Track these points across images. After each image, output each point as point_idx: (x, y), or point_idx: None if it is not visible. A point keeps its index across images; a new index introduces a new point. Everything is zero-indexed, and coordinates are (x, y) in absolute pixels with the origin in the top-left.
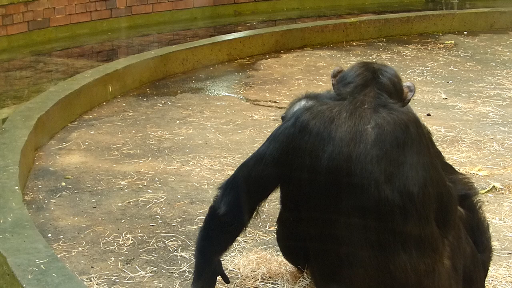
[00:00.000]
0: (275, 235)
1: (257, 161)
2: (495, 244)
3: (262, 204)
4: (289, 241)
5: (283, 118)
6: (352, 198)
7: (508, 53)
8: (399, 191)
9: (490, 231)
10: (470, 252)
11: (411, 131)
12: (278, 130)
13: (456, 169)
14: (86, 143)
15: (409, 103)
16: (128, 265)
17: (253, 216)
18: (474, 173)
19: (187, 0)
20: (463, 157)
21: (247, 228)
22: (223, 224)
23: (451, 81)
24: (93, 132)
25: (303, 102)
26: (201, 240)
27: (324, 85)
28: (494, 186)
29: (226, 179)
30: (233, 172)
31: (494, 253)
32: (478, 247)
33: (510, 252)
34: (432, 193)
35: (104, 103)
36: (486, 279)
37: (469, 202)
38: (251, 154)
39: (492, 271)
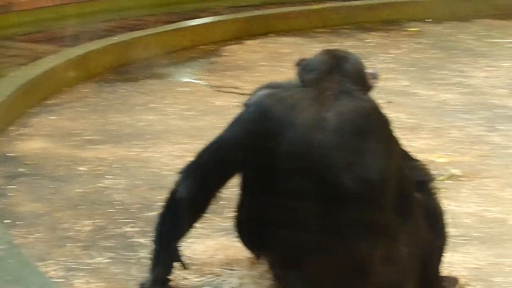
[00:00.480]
0: (233, 221)
1: (217, 146)
2: (451, 230)
3: (222, 189)
4: (248, 227)
5: (245, 105)
6: (311, 185)
7: (471, 41)
8: (358, 179)
9: (447, 217)
10: (426, 239)
11: (372, 119)
12: (239, 116)
13: (415, 156)
14: (47, 129)
15: (371, 90)
16: (86, 251)
17: (212, 201)
18: (433, 160)
19: None
20: (423, 144)
21: (206, 214)
22: (181, 209)
23: (413, 68)
24: (54, 117)
25: (266, 89)
26: (160, 225)
27: (287, 71)
28: (452, 173)
29: (186, 163)
30: (193, 158)
31: (450, 239)
32: (434, 233)
33: (467, 238)
34: (391, 180)
35: (66, 88)
36: (442, 265)
37: (426, 189)
38: (212, 139)
39: (448, 257)
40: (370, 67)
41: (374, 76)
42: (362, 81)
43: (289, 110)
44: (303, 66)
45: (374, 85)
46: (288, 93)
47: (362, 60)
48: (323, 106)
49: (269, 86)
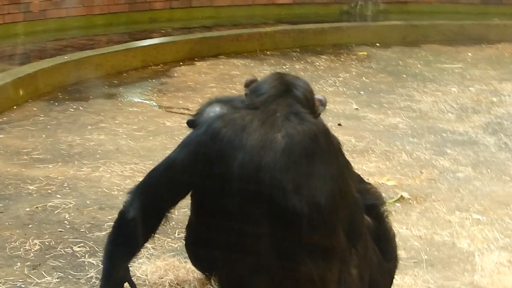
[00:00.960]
0: (184, 242)
1: (167, 167)
2: (401, 253)
3: (172, 210)
4: (198, 248)
5: (189, 122)
6: (260, 207)
7: (419, 65)
8: (306, 201)
9: (397, 240)
10: (376, 261)
11: (320, 141)
12: (189, 137)
13: (365, 179)
14: None
15: (319, 115)
16: (35, 270)
17: (162, 222)
18: (382, 183)
19: (102, 5)
20: (372, 167)
21: (155, 235)
22: (131, 229)
23: (362, 92)
24: (2, 136)
25: (215, 108)
26: (109, 245)
27: (237, 93)
28: (402, 196)
29: (137, 184)
30: (143, 178)
31: (400, 261)
32: (384, 256)
33: (416, 261)
34: (339, 203)
35: (15, 107)
36: (392, 287)
37: (376, 212)
38: (162, 160)
39: (398, 279)
40: (319, 90)
41: (322, 103)
42: (310, 107)
43: (239, 132)
44: (252, 88)
45: (322, 111)
46: (238, 114)
47: (312, 83)
48: (272, 129)
49: (217, 101)
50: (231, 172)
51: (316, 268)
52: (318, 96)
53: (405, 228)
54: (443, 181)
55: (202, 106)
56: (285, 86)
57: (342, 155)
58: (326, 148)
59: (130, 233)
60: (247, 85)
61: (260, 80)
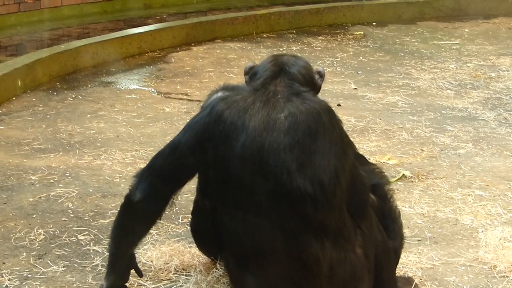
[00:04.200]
0: (188, 227)
1: (172, 150)
2: (405, 231)
3: (178, 193)
4: (203, 231)
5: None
6: (265, 187)
7: (416, 43)
8: (310, 180)
9: (401, 218)
10: (381, 240)
11: (324, 120)
12: (193, 120)
13: (367, 159)
14: None
15: (320, 94)
16: (40, 260)
17: (168, 205)
18: (384, 162)
19: None
20: (373, 146)
21: (160, 220)
22: (137, 212)
23: (360, 72)
24: (2, 127)
25: (220, 93)
26: (115, 230)
27: (235, 77)
28: (403, 174)
29: (142, 167)
30: (145, 164)
31: (405, 240)
32: (390, 235)
33: (420, 239)
34: (344, 182)
35: (14, 98)
36: (397, 265)
37: (380, 191)
38: (167, 143)
39: (403, 258)
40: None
41: (321, 75)
42: (309, 82)
43: (242, 113)
44: (251, 74)
45: (321, 83)
46: (239, 96)
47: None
48: (275, 109)
49: (223, 88)
50: (235, 153)
51: (322, 247)
52: (317, 68)
53: (408, 206)
54: (444, 158)
55: (211, 92)
56: (280, 68)
57: (344, 133)
58: (329, 127)
59: (136, 217)
60: (246, 72)
61: (259, 64)
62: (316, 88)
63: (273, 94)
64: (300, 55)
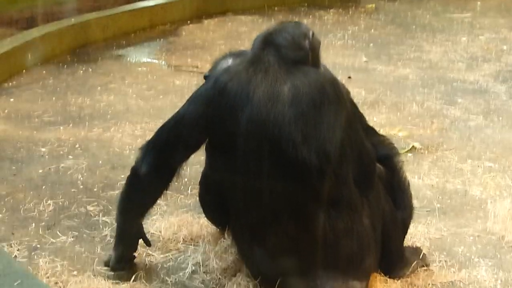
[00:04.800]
0: (197, 198)
1: (176, 122)
2: (414, 202)
3: (184, 165)
4: (211, 202)
5: (205, 78)
6: (270, 159)
7: (427, 16)
8: (316, 151)
9: (410, 190)
10: (388, 211)
11: (328, 92)
12: (197, 92)
13: (377, 131)
14: (6, 111)
15: (331, 66)
16: (49, 230)
17: (174, 177)
18: (394, 134)
19: None
20: (383, 118)
21: (168, 191)
22: (144, 185)
23: (371, 45)
24: (12, 100)
25: (229, 60)
26: (123, 201)
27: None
28: (413, 146)
29: (147, 140)
30: (153, 134)
31: (413, 211)
32: (399, 206)
33: (429, 210)
34: (349, 153)
35: (24, 71)
36: (406, 236)
37: (390, 162)
38: (171, 116)
39: (411, 228)
40: (328, 45)
41: (308, 37)
42: (299, 46)
43: (245, 85)
44: (257, 40)
45: (308, 45)
46: (241, 67)
47: (320, 38)
48: (277, 80)
49: (230, 54)
50: (240, 125)
51: (328, 218)
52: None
53: (417, 177)
54: (455, 130)
55: (216, 60)
56: (269, 35)
57: (354, 105)
58: (334, 98)
59: (143, 189)
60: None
61: (263, 32)
62: (306, 52)
63: (268, 64)
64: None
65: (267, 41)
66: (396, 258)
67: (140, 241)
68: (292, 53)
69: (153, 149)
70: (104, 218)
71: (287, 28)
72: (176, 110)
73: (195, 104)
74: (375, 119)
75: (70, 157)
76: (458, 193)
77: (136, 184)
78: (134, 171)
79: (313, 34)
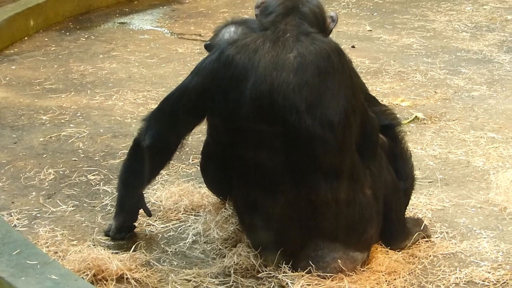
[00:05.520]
0: (198, 168)
1: (180, 94)
2: (416, 173)
3: (187, 137)
4: (213, 171)
5: (206, 46)
6: (274, 127)
7: None
8: (320, 121)
9: (412, 160)
10: (390, 181)
11: (333, 60)
12: (202, 64)
13: (380, 100)
14: (7, 78)
15: (334, 35)
16: (50, 199)
17: (178, 148)
18: (397, 104)
19: None
20: (387, 88)
21: (170, 162)
22: (147, 157)
23: (376, 13)
24: (14, 67)
25: (230, 29)
26: (124, 172)
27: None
28: (416, 116)
29: (150, 111)
30: (156, 105)
31: (416, 182)
32: (401, 176)
33: (431, 180)
34: (353, 122)
35: (26, 37)
36: (407, 207)
37: (392, 132)
38: (175, 87)
39: (413, 199)
40: (330, 10)
41: (333, 19)
42: (320, 24)
43: (252, 55)
44: (262, 8)
45: (333, 27)
46: (249, 39)
47: (324, 6)
48: (284, 49)
49: (232, 22)
50: (245, 95)
51: (331, 188)
52: (330, 13)
53: (419, 148)
54: (458, 100)
55: (217, 28)
56: (292, 4)
57: (356, 75)
58: (339, 67)
59: (145, 161)
60: (257, 6)
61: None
62: (327, 31)
63: (282, 33)
64: None
65: (290, 11)
66: (397, 229)
67: (141, 210)
68: (313, 29)
69: (156, 121)
70: (104, 187)
71: (314, 1)
72: (179, 78)
73: (198, 77)
74: (378, 88)
75: (72, 125)
76: (461, 164)
77: (139, 156)
78: (137, 142)
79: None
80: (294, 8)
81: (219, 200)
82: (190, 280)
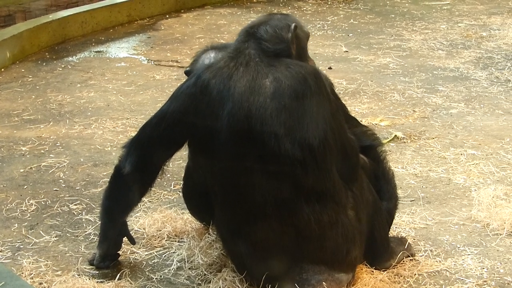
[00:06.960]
0: (181, 194)
1: (159, 121)
2: (398, 192)
3: (168, 162)
4: (195, 197)
5: (186, 72)
6: (253, 153)
7: (407, 4)
8: (299, 144)
9: (394, 179)
10: (372, 201)
11: (310, 84)
12: (180, 89)
13: (359, 121)
14: None
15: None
16: (32, 230)
17: (159, 174)
18: (376, 124)
19: None
20: (365, 108)
21: (152, 188)
22: (128, 184)
23: (351, 34)
24: None
25: (209, 55)
26: (106, 201)
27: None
28: (396, 135)
29: (130, 138)
30: (136, 132)
31: (399, 201)
32: (384, 196)
33: (413, 199)
34: (333, 145)
35: (2, 69)
36: (391, 226)
37: (374, 153)
38: (154, 113)
39: (396, 218)
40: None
41: (289, 29)
42: (281, 39)
43: (227, 81)
44: (240, 34)
45: (291, 37)
46: (222, 62)
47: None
48: (258, 74)
49: (212, 48)
50: (223, 121)
51: (313, 211)
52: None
53: (400, 167)
54: (436, 118)
55: (197, 54)
56: (251, 28)
57: (336, 97)
58: (316, 90)
59: (127, 188)
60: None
61: (247, 25)
62: (287, 45)
63: (249, 57)
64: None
65: (248, 34)
66: (381, 249)
67: (124, 238)
68: (272, 46)
69: (136, 148)
70: (87, 216)
71: (270, 20)
72: (157, 105)
73: (176, 102)
74: (357, 109)
75: (52, 155)
76: (442, 182)
77: (120, 183)
78: (118, 170)
79: (296, 26)
80: (252, 32)
81: (203, 225)
82: None
